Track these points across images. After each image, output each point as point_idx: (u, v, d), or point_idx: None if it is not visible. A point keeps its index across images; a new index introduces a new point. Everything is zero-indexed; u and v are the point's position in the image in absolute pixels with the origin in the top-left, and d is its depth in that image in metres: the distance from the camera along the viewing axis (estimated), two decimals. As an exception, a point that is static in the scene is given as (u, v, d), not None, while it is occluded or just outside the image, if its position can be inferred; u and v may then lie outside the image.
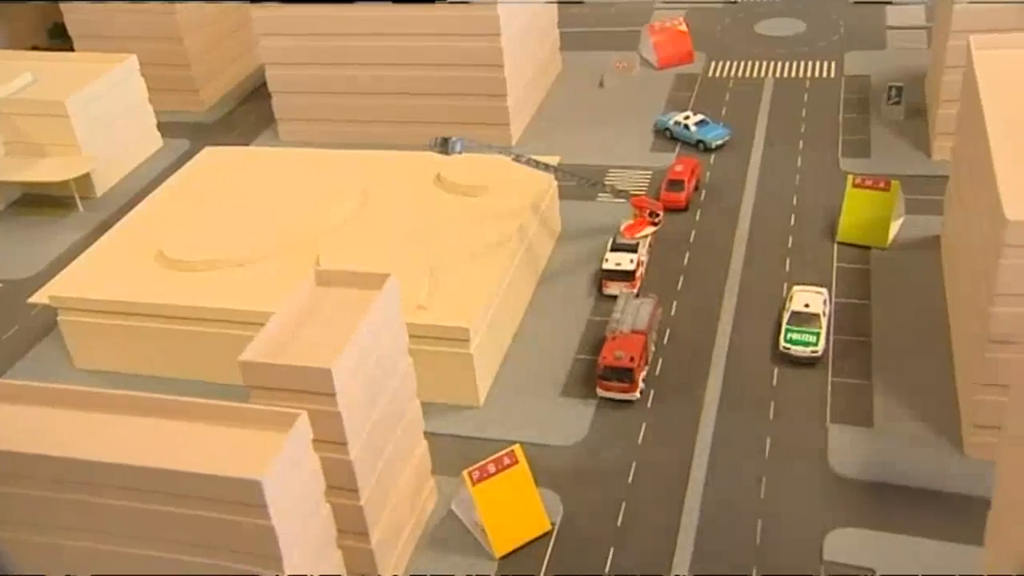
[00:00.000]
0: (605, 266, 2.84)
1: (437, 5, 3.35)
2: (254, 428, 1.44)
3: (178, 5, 4.00)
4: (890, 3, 6.99)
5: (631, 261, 2.85)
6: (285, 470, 1.36)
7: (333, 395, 1.66)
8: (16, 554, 1.44)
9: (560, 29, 4.71)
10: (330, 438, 1.72)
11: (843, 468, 1.86)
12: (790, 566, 1.64)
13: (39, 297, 3.10)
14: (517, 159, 2.80)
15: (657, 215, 3.23)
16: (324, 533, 1.51)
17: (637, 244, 3.02)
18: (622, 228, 3.14)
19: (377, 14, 3.34)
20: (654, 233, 3.03)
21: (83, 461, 1.28)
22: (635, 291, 2.86)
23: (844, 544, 1.70)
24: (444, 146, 2.79)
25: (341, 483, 1.74)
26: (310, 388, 1.71)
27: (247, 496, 1.32)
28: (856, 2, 7.08)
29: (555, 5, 4.31)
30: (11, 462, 1.37)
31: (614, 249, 2.97)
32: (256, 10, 3.39)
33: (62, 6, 4.18)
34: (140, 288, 2.73)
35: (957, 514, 2.06)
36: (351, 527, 1.77)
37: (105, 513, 1.37)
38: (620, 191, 3.20)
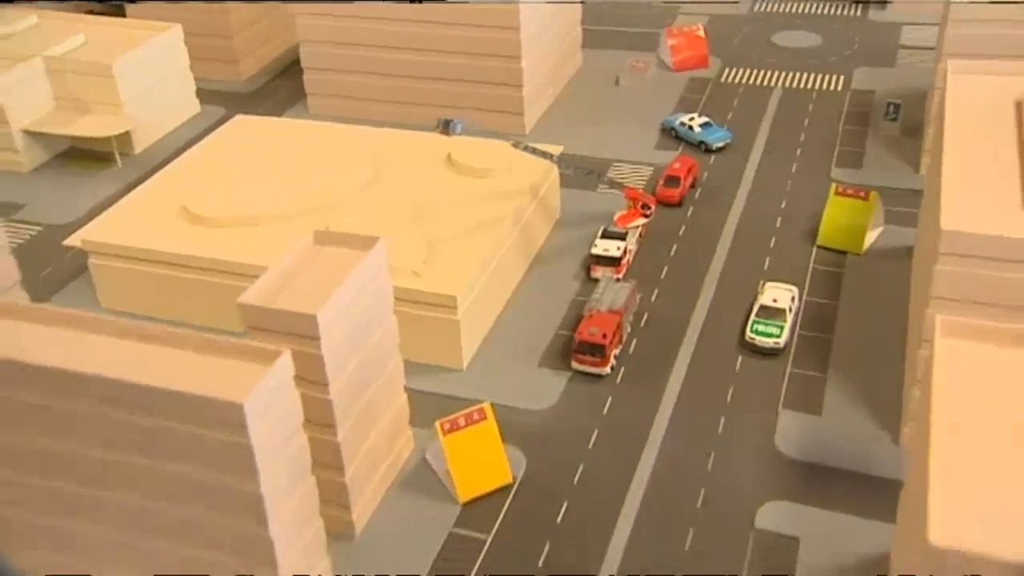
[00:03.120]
0: (594, 251, 2.94)
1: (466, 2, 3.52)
2: (242, 360, 1.59)
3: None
4: (887, 1, 6.98)
5: (618, 248, 2.98)
6: (266, 397, 1.50)
7: (317, 339, 1.80)
8: None
9: (584, 27, 4.86)
10: (313, 378, 1.86)
11: (787, 449, 1.99)
12: (723, 529, 1.76)
13: (72, 240, 3.29)
14: (515, 146, 2.94)
15: (649, 208, 3.31)
16: (300, 459, 1.66)
17: (627, 233, 3.14)
18: (615, 218, 3.28)
19: (407, 4, 3.50)
20: (645, 225, 3.11)
21: (73, 372, 1.38)
22: (619, 276, 2.98)
23: (776, 515, 1.83)
24: (446, 127, 2.97)
25: (321, 419, 1.89)
26: (298, 331, 1.85)
27: (229, 416, 1.45)
28: (856, 1, 7.09)
29: (579, 4, 4.45)
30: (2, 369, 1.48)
31: (604, 236, 3.11)
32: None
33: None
34: (164, 238, 2.93)
35: (881, 495, 2.14)
36: (328, 461, 1.92)
37: (88, 424, 1.46)
38: (615, 183, 3.30)
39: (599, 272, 2.97)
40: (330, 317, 1.78)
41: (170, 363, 1.57)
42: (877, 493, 2.23)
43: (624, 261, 2.95)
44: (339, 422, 1.94)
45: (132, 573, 1.60)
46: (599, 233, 3.09)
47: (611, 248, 2.89)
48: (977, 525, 1.15)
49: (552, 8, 3.78)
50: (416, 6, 3.41)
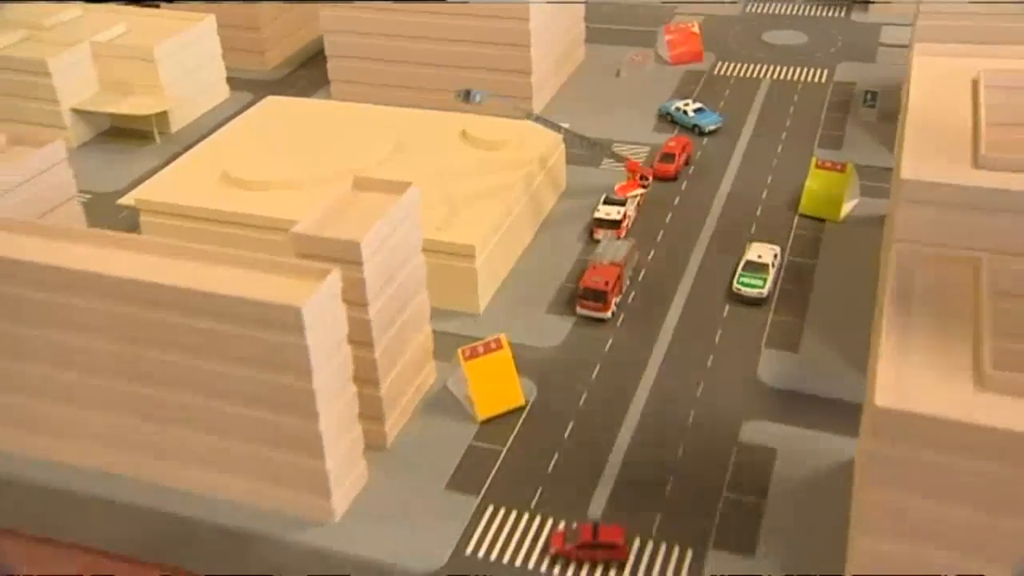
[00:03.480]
0: (596, 215, 3.13)
1: None
2: (294, 277, 1.75)
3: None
4: (870, 3, 7.23)
5: (618, 213, 3.19)
6: (320, 305, 1.67)
7: (360, 264, 1.97)
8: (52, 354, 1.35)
9: (587, 24, 5.06)
10: (355, 300, 2.03)
11: (767, 379, 2.17)
12: (710, 442, 1.94)
13: (127, 200, 3.47)
14: (528, 116, 3.12)
15: (647, 179, 3.47)
16: (344, 367, 1.82)
17: (626, 201, 3.35)
18: (616, 187, 3.50)
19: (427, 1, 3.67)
20: (643, 194, 3.26)
21: (140, 281, 1.49)
22: (619, 238, 3.16)
23: (756, 431, 2.01)
24: (467, 97, 3.15)
25: (360, 338, 2.06)
26: (343, 257, 2.02)
27: (289, 320, 1.60)
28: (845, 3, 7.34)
29: (582, 3, 4.67)
30: (68, 277, 1.56)
31: (606, 203, 3.33)
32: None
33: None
34: (208, 198, 3.13)
35: (850, 416, 2.26)
36: (366, 376, 2.09)
37: (149, 329, 1.57)
38: (617, 154, 3.45)
39: (601, 234, 3.19)
40: (371, 246, 1.97)
41: (230, 277, 1.74)
42: (847, 414, 2.40)
43: (623, 225, 3.15)
44: (376, 341, 2.13)
45: (181, 469, 1.75)
46: (601, 200, 3.33)
47: (612, 212, 3.09)
48: (920, 393, 1.32)
49: (557, 5, 3.97)
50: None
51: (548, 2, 3.54)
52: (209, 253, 1.98)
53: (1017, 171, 1.96)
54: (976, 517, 1.34)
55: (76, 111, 3.88)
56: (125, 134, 3.80)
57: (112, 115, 3.75)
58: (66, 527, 1.78)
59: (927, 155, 2.52)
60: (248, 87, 4.47)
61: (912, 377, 1.56)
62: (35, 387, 1.76)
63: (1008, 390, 1.46)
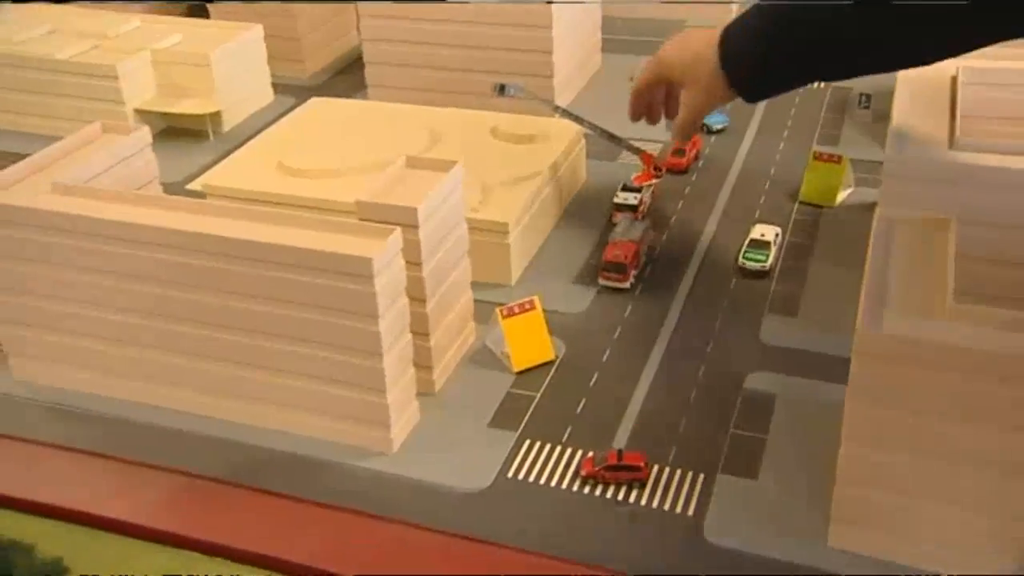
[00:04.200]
0: (616, 200, 3.17)
1: (506, 4, 3.79)
2: (360, 236, 1.87)
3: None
4: None
5: (635, 199, 3.29)
6: (385, 258, 1.80)
7: (417, 227, 2.10)
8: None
9: (604, 35, 5.17)
10: (412, 259, 2.17)
11: (769, 339, 2.30)
12: (717, 390, 2.07)
13: (194, 185, 3.50)
14: (556, 109, 3.26)
15: (660, 170, 3.53)
16: (402, 315, 1.95)
17: (642, 188, 3.47)
18: (632, 177, 3.65)
19: (459, 6, 3.79)
20: (656, 183, 3.34)
21: (229, 238, 1.58)
22: (636, 220, 3.34)
23: (758, 380, 2.13)
24: (502, 91, 3.28)
25: (415, 294, 2.20)
26: (402, 221, 2.16)
27: (359, 269, 1.73)
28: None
29: (599, 13, 4.75)
30: (143, 232, 1.66)
31: (624, 190, 3.44)
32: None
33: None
34: (266, 184, 3.26)
35: (843, 368, 2.35)
36: (418, 328, 2.23)
37: (229, 277, 1.67)
38: (635, 149, 3.53)
39: (619, 217, 3.24)
40: (425, 212, 2.08)
41: (305, 235, 1.86)
42: (839, 366, 2.47)
43: (640, 209, 3.18)
44: (428, 297, 2.25)
45: (257, 406, 1.84)
46: (620, 187, 3.42)
47: (629, 198, 3.11)
48: (895, 320, 1.47)
49: (576, 14, 4.04)
50: (464, 9, 3.65)
51: (570, 1, 3.68)
52: (282, 216, 2.11)
53: (985, 152, 2.07)
54: (943, 426, 1.46)
55: (138, 111, 3.89)
56: (181, 133, 3.81)
57: (169, 115, 3.78)
58: (155, 455, 1.89)
59: (908, 139, 2.58)
60: (290, 92, 4.47)
61: (888, 311, 1.70)
62: (125, 336, 1.83)
63: (969, 319, 1.62)
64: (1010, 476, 0.87)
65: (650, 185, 2.48)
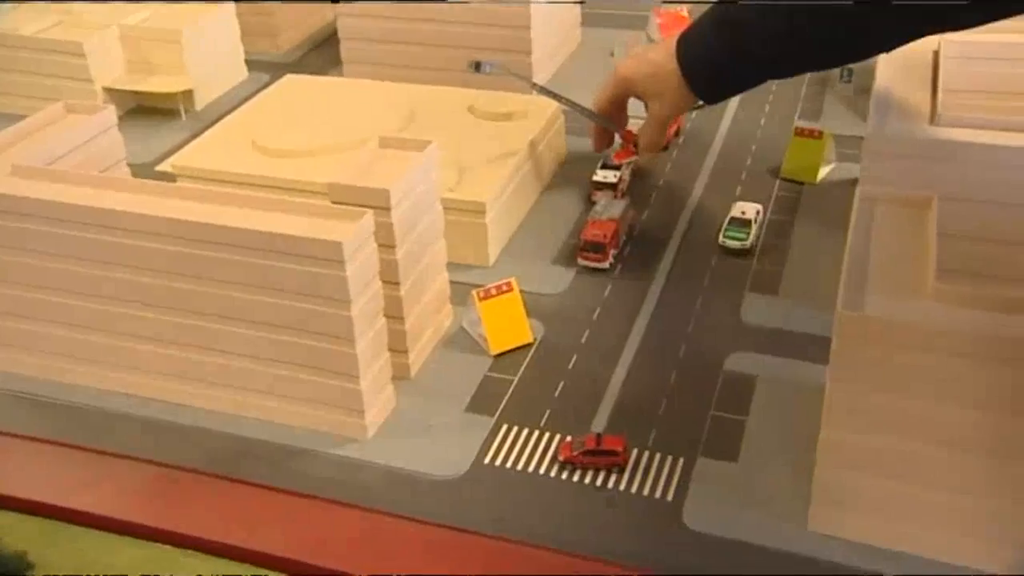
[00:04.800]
0: (594, 179, 3.11)
1: None
2: (331, 219, 1.83)
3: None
4: None
5: (615, 176, 3.23)
6: (356, 241, 1.76)
7: (389, 209, 2.07)
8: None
9: (583, 10, 5.13)
10: (384, 242, 2.13)
11: (749, 319, 2.30)
12: (698, 370, 2.07)
13: (164, 167, 3.44)
14: (534, 86, 3.20)
15: (636, 144, 3.50)
16: (376, 300, 1.93)
17: (621, 166, 3.39)
18: (612, 154, 3.56)
19: None
20: (636, 160, 3.29)
21: (195, 222, 1.55)
22: (615, 198, 3.27)
23: (739, 361, 2.13)
24: (477, 67, 3.21)
25: (388, 277, 2.17)
26: (374, 203, 2.12)
27: (330, 254, 1.70)
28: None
29: None
30: (109, 217, 1.62)
31: (603, 167, 3.36)
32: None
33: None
34: (240, 164, 3.18)
35: (823, 347, 2.34)
36: (393, 312, 2.20)
37: (198, 263, 1.64)
38: (614, 124, 3.47)
39: (598, 196, 3.17)
40: (398, 193, 2.05)
41: (273, 219, 1.82)
42: (819, 346, 2.47)
43: (619, 188, 3.13)
44: (402, 280, 2.22)
45: (230, 394, 1.82)
46: (598, 165, 3.35)
47: (608, 176, 3.07)
48: (875, 302, 1.47)
49: None
50: None
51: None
52: (252, 199, 2.06)
53: (967, 127, 2.04)
54: (925, 408, 1.45)
55: (107, 89, 3.80)
56: (152, 111, 3.72)
57: (139, 93, 3.71)
58: (124, 444, 1.85)
59: (889, 115, 2.54)
60: (264, 68, 4.39)
61: (869, 292, 1.69)
62: (92, 323, 1.78)
63: (948, 300, 1.60)
64: (992, 458, 0.86)
65: (630, 162, 2.39)
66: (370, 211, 1.55)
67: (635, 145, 2.17)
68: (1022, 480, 0.83)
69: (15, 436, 1.14)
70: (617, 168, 2.38)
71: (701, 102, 1.42)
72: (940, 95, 1.24)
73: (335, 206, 1.53)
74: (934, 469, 0.90)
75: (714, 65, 1.32)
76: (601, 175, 2.39)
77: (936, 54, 1.36)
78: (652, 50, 1.47)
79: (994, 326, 0.83)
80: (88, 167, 1.53)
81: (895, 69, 1.43)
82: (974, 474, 0.87)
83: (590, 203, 2.40)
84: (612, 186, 2.36)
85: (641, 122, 2.37)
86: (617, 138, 2.14)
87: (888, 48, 1.22)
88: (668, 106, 1.54)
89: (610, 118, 1.76)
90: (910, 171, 1.22)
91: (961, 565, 0.90)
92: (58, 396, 1.37)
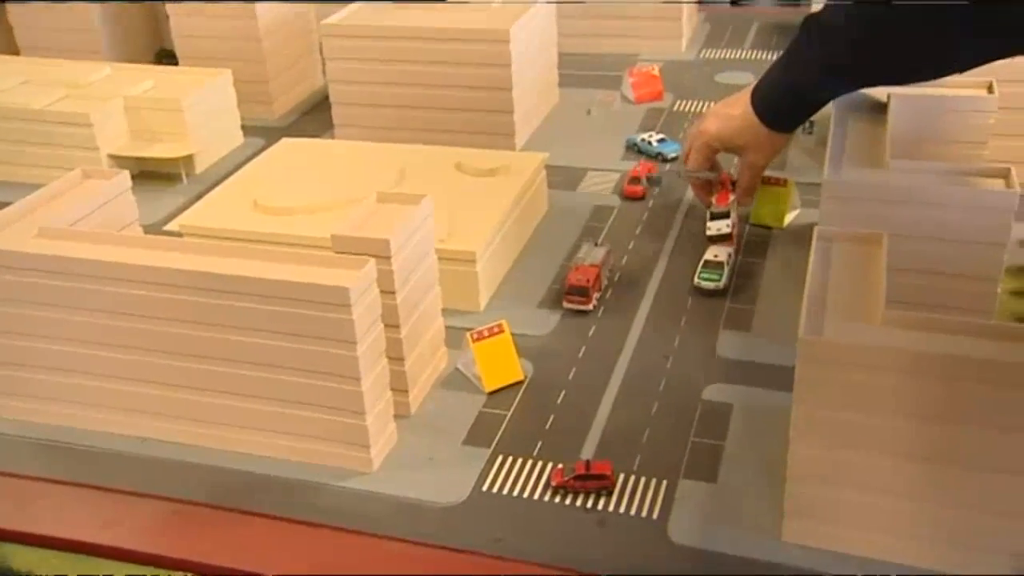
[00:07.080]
0: (708, 233, 2.97)
1: (466, 44, 3.81)
2: (335, 268, 1.90)
3: (262, 34, 4.38)
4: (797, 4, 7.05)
5: (728, 226, 2.98)
6: (360, 288, 1.83)
7: (389, 257, 2.14)
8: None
9: (560, 71, 5.24)
10: (385, 288, 2.20)
11: (725, 353, 2.38)
12: (678, 401, 2.14)
13: (171, 226, 3.39)
14: (679, 174, 3.27)
15: (733, 183, 3.27)
16: (379, 342, 1.99)
17: (729, 211, 3.14)
18: (715, 198, 3.32)
19: (420, 46, 3.81)
20: (734, 201, 3.15)
21: (209, 273, 1.58)
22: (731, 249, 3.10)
23: (716, 391, 2.20)
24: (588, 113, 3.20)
25: (389, 321, 2.23)
26: (375, 252, 2.18)
27: (337, 299, 1.76)
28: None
29: (555, 50, 4.81)
30: (129, 271, 1.63)
31: (712, 219, 3.14)
32: (327, 40, 3.88)
33: (173, 35, 4.60)
34: (242, 222, 3.22)
35: (793, 377, 2.39)
36: (394, 353, 2.25)
37: (213, 311, 1.67)
38: (714, 172, 3.35)
39: (715, 251, 2.99)
40: (397, 242, 2.13)
41: (282, 268, 1.87)
42: (789, 376, 2.54)
43: (732, 233, 2.94)
44: (402, 323, 2.28)
45: (241, 433, 1.86)
46: (708, 218, 3.18)
47: (723, 228, 2.92)
48: (833, 327, 1.55)
49: (533, 52, 4.14)
50: (424, 48, 3.67)
51: (536, 7, 3.74)
52: (259, 252, 2.12)
53: (914, 172, 2.14)
54: (882, 423, 1.53)
55: (112, 157, 3.86)
56: (154, 176, 3.76)
57: (142, 159, 3.76)
58: (142, 484, 1.88)
59: (843, 163, 2.60)
60: (259, 133, 4.47)
61: (827, 319, 1.78)
62: (111, 371, 1.80)
63: (896, 325, 1.71)
64: (946, 466, 0.90)
65: (734, 201, 2.58)
66: (372, 259, 1.73)
67: (733, 184, 2.42)
68: (968, 486, 0.89)
69: (38, 479, 1.20)
70: (726, 215, 2.64)
71: (801, 131, 1.58)
72: (889, 143, 1.46)
73: (338, 255, 1.73)
74: (894, 479, 0.93)
75: (788, 110, 1.46)
76: (715, 227, 2.65)
77: (885, 106, 1.58)
78: (729, 106, 1.54)
79: (936, 345, 0.89)
80: (106, 227, 1.75)
81: (849, 121, 1.65)
82: (932, 482, 0.90)
83: (575, 250, 2.61)
84: (728, 236, 2.57)
85: (612, 177, 2.66)
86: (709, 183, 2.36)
87: (939, 75, 1.32)
88: (764, 156, 1.61)
89: (709, 170, 1.98)
90: (863, 212, 1.41)
91: (924, 567, 0.96)
92: (80, 442, 1.53)
